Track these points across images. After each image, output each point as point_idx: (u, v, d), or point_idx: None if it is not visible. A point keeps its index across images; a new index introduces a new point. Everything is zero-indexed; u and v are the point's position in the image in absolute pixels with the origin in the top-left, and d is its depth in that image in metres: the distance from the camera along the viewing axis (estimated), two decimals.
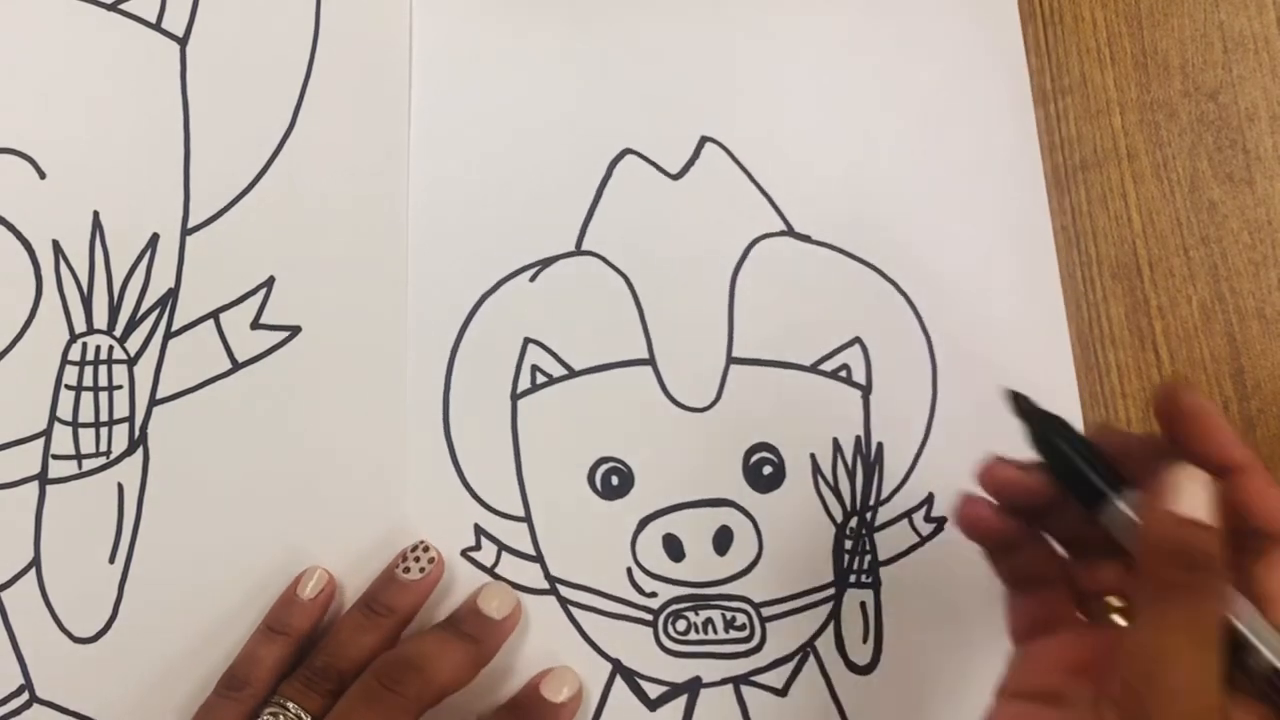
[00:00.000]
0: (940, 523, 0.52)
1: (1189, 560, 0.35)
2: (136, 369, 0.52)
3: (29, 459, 0.51)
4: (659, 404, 0.52)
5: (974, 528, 0.42)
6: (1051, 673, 0.39)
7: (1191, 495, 0.35)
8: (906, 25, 0.58)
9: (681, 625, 0.51)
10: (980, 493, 0.41)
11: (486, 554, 0.51)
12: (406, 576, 0.49)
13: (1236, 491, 0.36)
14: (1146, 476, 0.37)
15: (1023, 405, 0.41)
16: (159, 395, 0.52)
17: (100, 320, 0.52)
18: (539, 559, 0.51)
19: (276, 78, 0.55)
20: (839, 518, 0.52)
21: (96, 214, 0.53)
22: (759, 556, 0.51)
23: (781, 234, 0.55)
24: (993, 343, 0.54)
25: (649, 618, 0.51)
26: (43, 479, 0.50)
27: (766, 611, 0.51)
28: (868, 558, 0.51)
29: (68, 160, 0.53)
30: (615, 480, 0.52)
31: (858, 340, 0.53)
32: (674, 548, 0.51)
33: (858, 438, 0.52)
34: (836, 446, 0.52)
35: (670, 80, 0.57)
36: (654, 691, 0.50)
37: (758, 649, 0.50)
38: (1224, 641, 0.34)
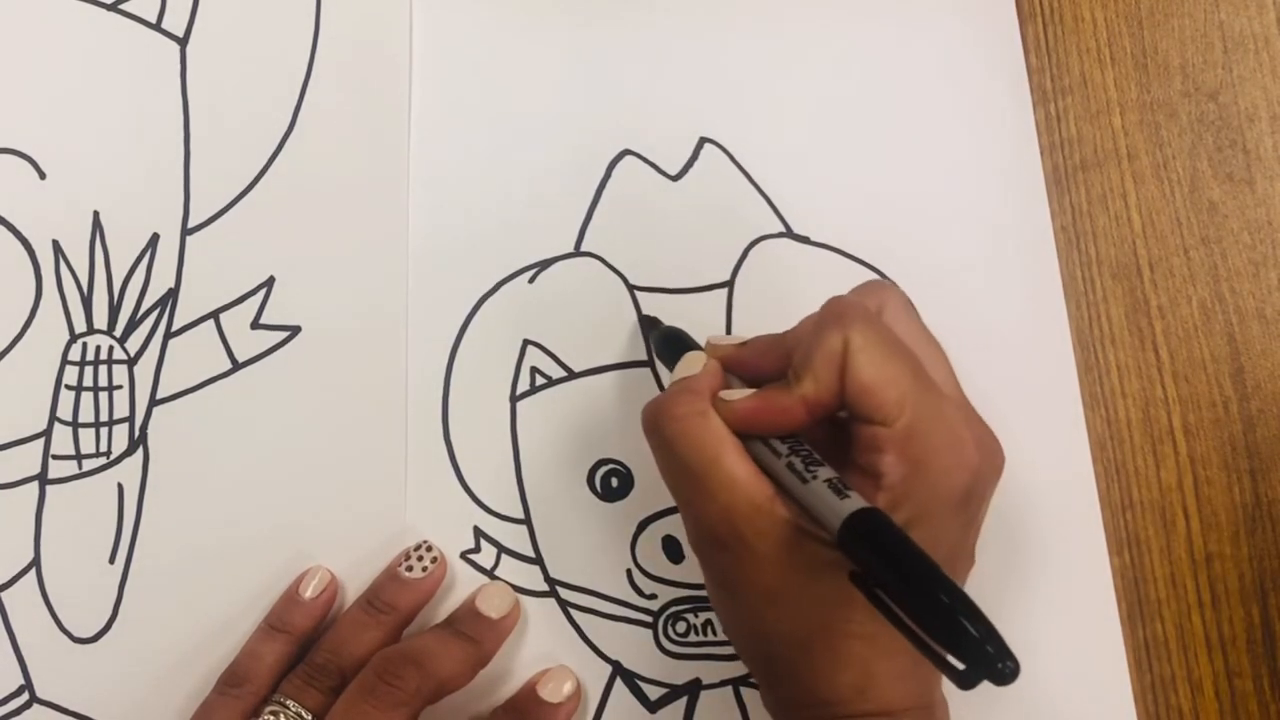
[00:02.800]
0: None
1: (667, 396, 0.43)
2: (136, 369, 0.52)
3: (29, 459, 0.51)
4: None
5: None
6: None
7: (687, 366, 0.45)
8: (905, 25, 0.58)
9: (681, 627, 0.51)
10: None
11: (486, 556, 0.51)
12: (409, 575, 0.49)
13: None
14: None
15: (643, 324, 0.53)
16: (159, 395, 0.52)
17: (100, 320, 0.52)
18: (538, 561, 0.51)
19: (276, 78, 0.55)
20: None
21: (96, 214, 0.53)
22: None
23: (780, 235, 0.55)
24: (993, 343, 0.53)
25: (649, 619, 0.51)
26: (43, 479, 0.50)
27: None
28: None
29: (68, 160, 0.53)
30: (615, 482, 0.52)
31: None
32: (673, 549, 0.51)
33: None
34: None
35: (669, 81, 0.57)
36: (654, 693, 0.50)
37: None
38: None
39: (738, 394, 0.42)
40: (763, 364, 0.44)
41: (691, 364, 0.45)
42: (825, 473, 0.39)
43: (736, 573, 0.40)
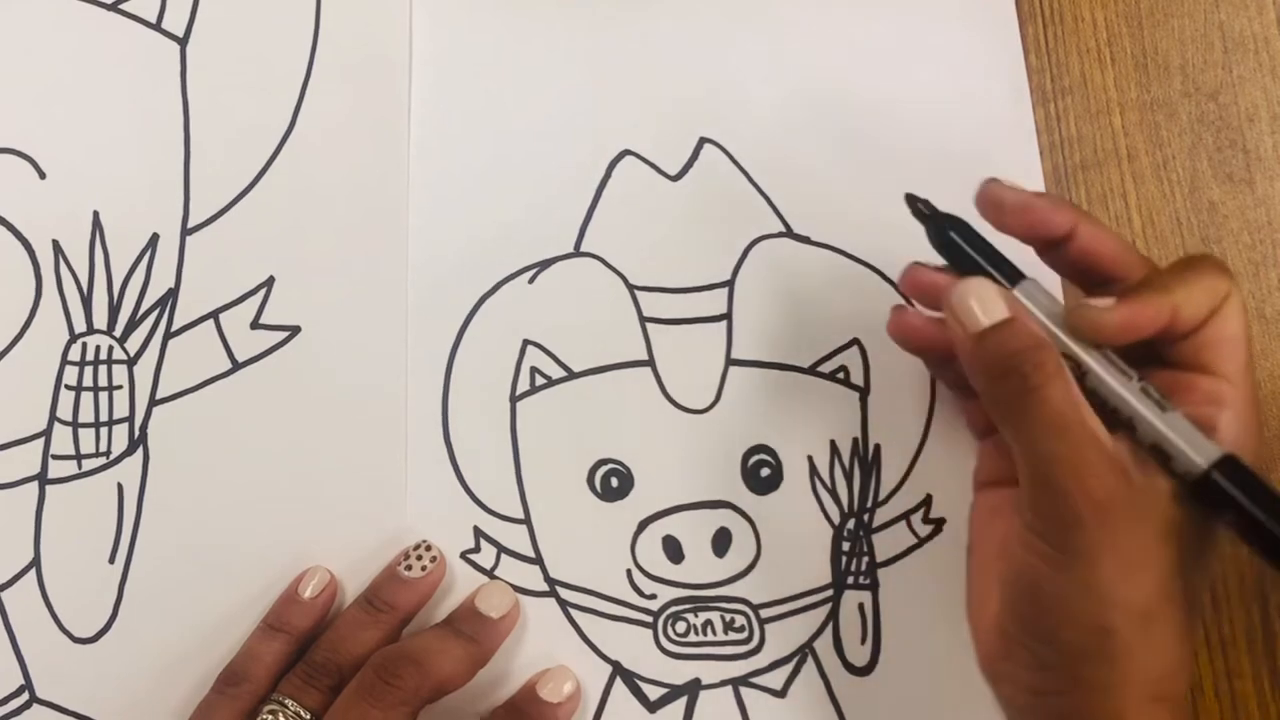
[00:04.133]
0: (939, 524, 0.52)
1: (1004, 369, 0.39)
2: (136, 369, 0.52)
3: (29, 459, 0.51)
4: (658, 405, 0.52)
5: (907, 338, 0.47)
6: (1010, 458, 0.41)
7: (980, 306, 0.41)
8: (906, 26, 0.58)
9: (681, 627, 0.51)
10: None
11: (486, 556, 0.51)
12: (408, 574, 0.49)
13: (1077, 250, 0.43)
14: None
15: (920, 207, 0.45)
16: (159, 395, 0.52)
17: (100, 320, 0.52)
18: (538, 561, 0.51)
19: (276, 78, 0.55)
20: (837, 519, 0.52)
21: (96, 214, 0.53)
22: (757, 558, 0.51)
23: (780, 235, 0.55)
24: None
25: (648, 619, 0.51)
26: (43, 479, 0.51)
27: (765, 613, 0.51)
28: (866, 559, 0.51)
29: (68, 160, 0.53)
30: (614, 482, 0.52)
31: (856, 342, 0.53)
32: (673, 549, 0.51)
33: (855, 439, 0.52)
34: (834, 448, 0.52)
35: (669, 81, 0.57)
36: (654, 693, 0.50)
37: (757, 650, 0.51)
38: (1084, 403, 0.39)
39: (1104, 303, 0.40)
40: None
41: (991, 297, 0.41)
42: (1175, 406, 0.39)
43: (1095, 543, 0.38)
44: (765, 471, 0.52)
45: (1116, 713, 0.38)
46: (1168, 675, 0.38)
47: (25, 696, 0.49)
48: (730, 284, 0.54)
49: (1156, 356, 0.41)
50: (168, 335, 0.52)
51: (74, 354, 0.51)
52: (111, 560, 0.50)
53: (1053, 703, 0.40)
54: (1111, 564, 0.38)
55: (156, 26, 0.55)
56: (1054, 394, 0.38)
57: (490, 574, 0.51)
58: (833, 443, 0.52)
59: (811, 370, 0.53)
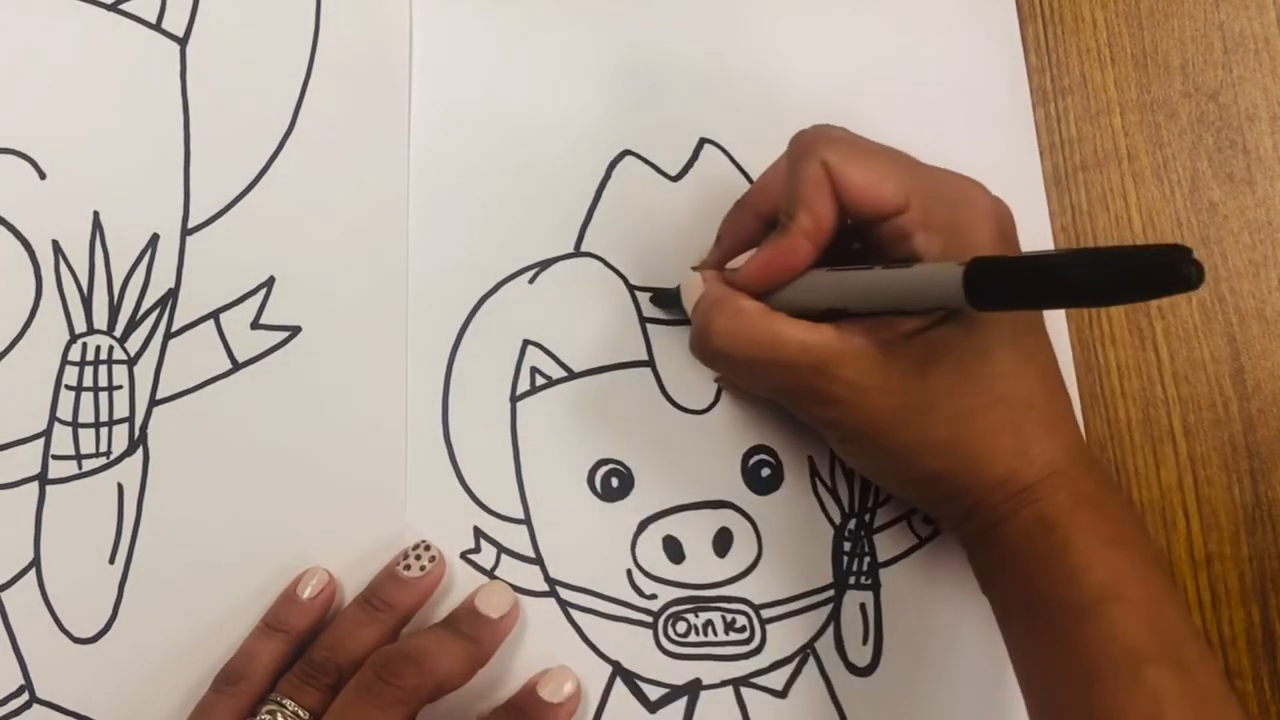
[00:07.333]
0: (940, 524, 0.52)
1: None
2: (136, 369, 0.52)
3: (29, 459, 0.51)
4: (658, 406, 0.52)
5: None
6: None
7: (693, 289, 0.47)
8: (906, 25, 0.58)
9: (681, 627, 0.51)
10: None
11: (486, 556, 0.51)
12: (407, 574, 0.49)
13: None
14: None
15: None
16: (159, 395, 0.52)
17: (100, 320, 0.52)
18: (538, 561, 0.51)
19: (276, 78, 0.55)
20: (838, 519, 0.52)
21: (96, 214, 0.53)
22: (759, 558, 0.51)
23: None
24: None
25: (649, 620, 0.51)
26: (43, 479, 0.50)
27: (766, 613, 0.51)
28: (867, 559, 0.51)
29: (68, 160, 0.53)
30: (615, 482, 0.52)
31: None
32: (674, 549, 0.51)
33: None
34: None
35: (669, 82, 0.57)
36: (654, 693, 0.50)
37: (758, 651, 0.51)
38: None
39: (742, 259, 0.45)
40: (744, 238, 0.48)
41: (694, 285, 0.47)
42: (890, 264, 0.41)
43: (865, 418, 0.42)
44: (766, 471, 0.52)
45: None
46: (1019, 464, 0.41)
47: (25, 696, 0.49)
48: None
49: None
50: (168, 335, 0.52)
51: (74, 354, 0.51)
52: (111, 560, 0.50)
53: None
54: (893, 426, 0.42)
55: (156, 26, 0.55)
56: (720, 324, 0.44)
57: (490, 574, 0.51)
58: None
59: None
